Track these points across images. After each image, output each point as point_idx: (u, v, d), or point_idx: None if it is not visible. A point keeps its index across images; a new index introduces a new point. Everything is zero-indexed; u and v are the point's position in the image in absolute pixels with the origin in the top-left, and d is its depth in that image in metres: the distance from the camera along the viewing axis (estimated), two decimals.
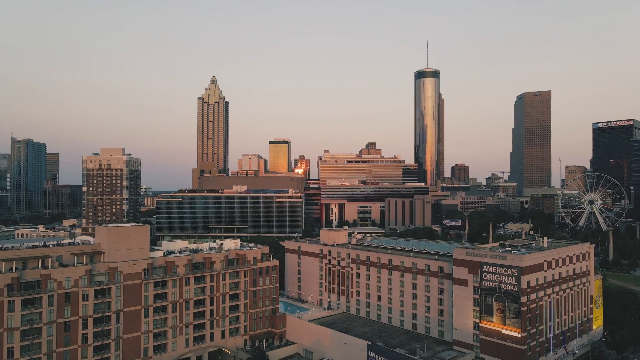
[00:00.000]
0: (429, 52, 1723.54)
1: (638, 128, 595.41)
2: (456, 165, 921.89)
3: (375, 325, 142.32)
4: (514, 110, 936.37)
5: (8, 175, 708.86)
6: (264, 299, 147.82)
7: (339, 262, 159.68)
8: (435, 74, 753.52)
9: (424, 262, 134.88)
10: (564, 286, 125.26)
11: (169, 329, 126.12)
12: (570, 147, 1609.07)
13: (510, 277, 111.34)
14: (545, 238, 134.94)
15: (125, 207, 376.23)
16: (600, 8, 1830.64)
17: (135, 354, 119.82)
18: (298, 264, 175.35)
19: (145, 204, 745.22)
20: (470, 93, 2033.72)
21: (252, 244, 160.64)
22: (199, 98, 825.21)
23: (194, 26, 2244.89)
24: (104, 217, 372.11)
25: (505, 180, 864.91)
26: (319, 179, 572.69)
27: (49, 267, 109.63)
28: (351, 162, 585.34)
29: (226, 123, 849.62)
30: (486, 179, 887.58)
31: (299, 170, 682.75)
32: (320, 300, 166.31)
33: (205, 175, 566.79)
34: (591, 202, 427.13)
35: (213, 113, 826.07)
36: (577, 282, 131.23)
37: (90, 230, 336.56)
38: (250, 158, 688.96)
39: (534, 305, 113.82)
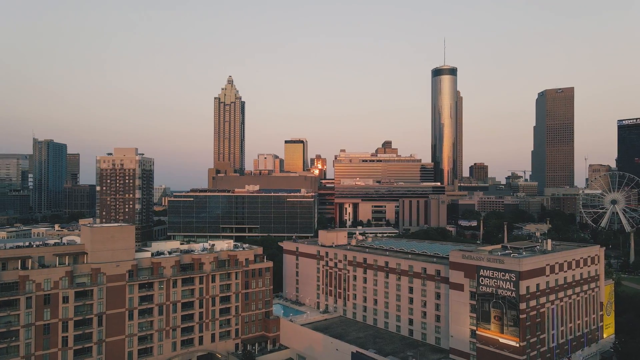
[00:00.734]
0: (446, 50, 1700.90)
1: None
2: (475, 164, 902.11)
3: (371, 331, 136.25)
4: (535, 108, 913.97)
5: (30, 175, 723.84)
6: (257, 301, 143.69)
7: (335, 264, 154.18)
8: (453, 72, 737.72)
9: (421, 264, 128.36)
10: (569, 292, 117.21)
11: (155, 332, 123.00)
12: (595, 145, 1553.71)
13: (507, 282, 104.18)
14: (549, 240, 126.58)
15: (137, 206, 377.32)
16: (624, 3, 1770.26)
17: (120, 357, 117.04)
18: (296, 265, 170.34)
19: (163, 204, 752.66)
20: (489, 91, 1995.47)
21: (247, 245, 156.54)
22: (215, 98, 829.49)
23: (209, 28, 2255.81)
24: (117, 217, 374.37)
25: (526, 180, 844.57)
26: (334, 179, 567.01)
27: (29, 268, 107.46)
28: (366, 161, 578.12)
29: (242, 123, 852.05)
30: (506, 178, 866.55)
31: (315, 170, 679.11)
32: (318, 303, 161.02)
33: (219, 175, 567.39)
34: (614, 202, 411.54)
35: (229, 113, 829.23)
36: (585, 287, 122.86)
37: None
38: (265, 158, 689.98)
39: (534, 312, 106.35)
